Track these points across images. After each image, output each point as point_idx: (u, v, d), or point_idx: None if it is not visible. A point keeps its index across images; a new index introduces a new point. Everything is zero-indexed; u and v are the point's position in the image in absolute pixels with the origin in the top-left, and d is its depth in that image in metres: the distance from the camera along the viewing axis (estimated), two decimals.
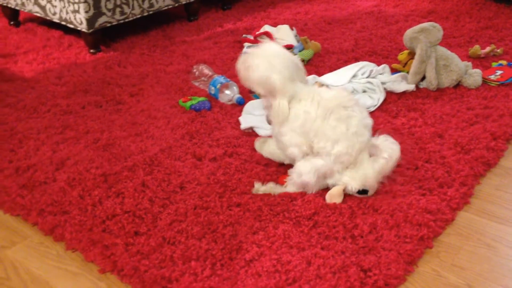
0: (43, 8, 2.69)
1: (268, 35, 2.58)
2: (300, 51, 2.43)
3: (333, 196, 1.47)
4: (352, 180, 1.46)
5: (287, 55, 1.54)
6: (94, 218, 1.45)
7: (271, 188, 1.54)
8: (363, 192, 1.47)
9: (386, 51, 2.48)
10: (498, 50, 2.37)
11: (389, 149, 1.48)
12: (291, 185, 1.53)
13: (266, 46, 1.56)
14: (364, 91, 2.05)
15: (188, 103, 2.04)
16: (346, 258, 1.28)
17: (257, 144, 1.69)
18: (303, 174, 1.48)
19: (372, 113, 1.91)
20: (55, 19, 2.67)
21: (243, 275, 1.25)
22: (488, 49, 2.34)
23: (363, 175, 1.46)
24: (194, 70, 2.25)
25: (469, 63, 2.17)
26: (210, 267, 1.27)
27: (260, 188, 1.54)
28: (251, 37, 2.65)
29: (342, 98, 1.49)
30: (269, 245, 1.33)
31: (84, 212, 1.47)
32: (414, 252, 1.30)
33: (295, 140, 1.51)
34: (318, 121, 1.47)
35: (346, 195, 1.48)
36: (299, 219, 1.42)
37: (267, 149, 1.64)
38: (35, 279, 1.31)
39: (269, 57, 1.50)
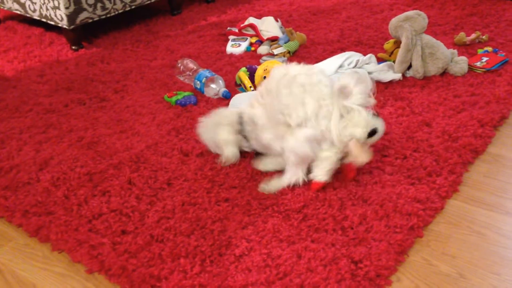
0: (22, 5, 2.63)
1: (253, 27, 2.56)
2: (285, 42, 2.41)
3: (360, 153, 1.40)
4: (355, 127, 1.40)
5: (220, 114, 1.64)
6: (80, 218, 1.42)
7: (271, 187, 1.50)
8: (373, 133, 1.41)
9: (372, 40, 2.47)
10: (484, 37, 2.37)
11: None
12: (290, 165, 1.47)
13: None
14: None
15: (174, 98, 2.01)
16: (337, 250, 1.27)
17: (261, 166, 1.60)
18: (295, 148, 1.43)
19: None
20: (35, 16, 2.62)
21: (233, 270, 1.23)
22: (473, 36, 2.34)
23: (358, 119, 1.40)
24: (179, 65, 2.22)
25: (455, 51, 2.16)
26: (200, 263, 1.26)
27: (265, 188, 1.50)
28: (236, 30, 2.62)
29: (279, 76, 1.48)
30: (259, 240, 1.31)
31: (69, 212, 1.45)
32: (405, 242, 1.29)
33: (273, 133, 1.48)
34: (275, 102, 1.45)
35: (332, 187, 1.47)
36: (288, 212, 1.40)
37: (269, 162, 1.58)
38: (21, 281, 1.29)
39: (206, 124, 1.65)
